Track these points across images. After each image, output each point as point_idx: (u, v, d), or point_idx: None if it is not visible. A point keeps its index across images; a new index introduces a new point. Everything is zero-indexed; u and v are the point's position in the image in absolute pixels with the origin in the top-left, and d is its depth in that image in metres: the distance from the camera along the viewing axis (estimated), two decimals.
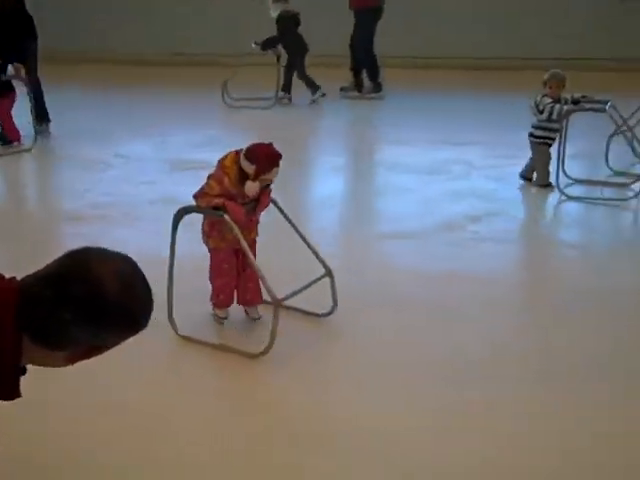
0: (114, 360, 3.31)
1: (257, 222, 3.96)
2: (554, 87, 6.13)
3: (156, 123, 8.71)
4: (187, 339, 3.90)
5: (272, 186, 3.85)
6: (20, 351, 1.70)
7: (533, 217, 5.63)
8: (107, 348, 1.81)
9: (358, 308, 4.17)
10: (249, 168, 3.65)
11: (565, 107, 6.07)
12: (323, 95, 9.55)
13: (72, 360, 1.79)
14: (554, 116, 6.06)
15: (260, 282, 3.78)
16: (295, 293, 3.76)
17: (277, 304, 3.63)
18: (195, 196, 3.77)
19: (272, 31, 9.54)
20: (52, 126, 8.32)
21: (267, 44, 9.44)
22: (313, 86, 9.55)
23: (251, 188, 3.69)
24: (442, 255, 5.00)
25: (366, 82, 9.98)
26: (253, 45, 9.41)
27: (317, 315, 4.09)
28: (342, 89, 9.97)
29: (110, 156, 7.31)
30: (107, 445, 3.07)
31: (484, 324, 4.07)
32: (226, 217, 3.61)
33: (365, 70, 9.89)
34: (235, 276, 3.97)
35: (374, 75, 9.87)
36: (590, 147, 7.07)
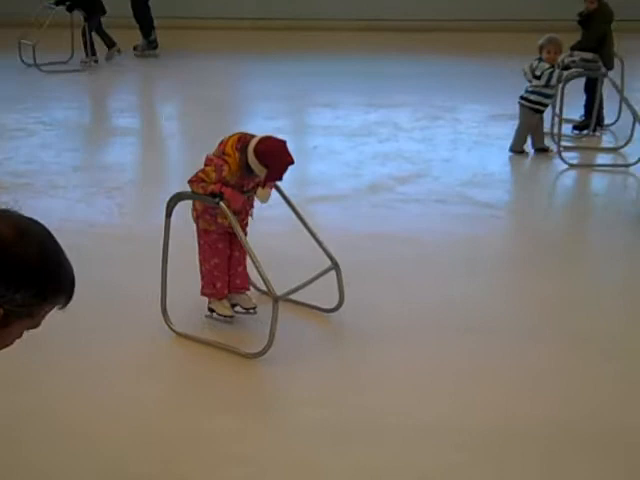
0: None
1: (252, 207, 3.69)
2: (552, 52, 6.08)
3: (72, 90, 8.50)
4: (182, 335, 3.60)
5: None
6: None
7: (458, 178, 5.66)
8: (10, 312, 1.63)
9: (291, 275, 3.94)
10: (259, 169, 3.41)
11: (565, 73, 6.07)
12: (119, 52, 9.76)
13: None
14: (553, 82, 6.04)
15: (254, 275, 3.51)
16: (298, 287, 3.54)
17: (276, 300, 3.35)
18: (190, 181, 3.49)
19: None
20: None
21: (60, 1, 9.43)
22: (110, 42, 9.73)
23: (264, 195, 3.49)
24: (369, 216, 5.03)
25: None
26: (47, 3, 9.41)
27: (323, 310, 3.79)
28: (135, 48, 10.15)
29: (29, 123, 7.10)
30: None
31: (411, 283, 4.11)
32: (222, 205, 3.35)
33: (139, 28, 10.18)
34: (228, 259, 3.67)
35: (147, 33, 10.14)
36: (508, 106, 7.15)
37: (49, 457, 2.86)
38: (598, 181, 6.15)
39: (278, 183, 3.61)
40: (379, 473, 2.81)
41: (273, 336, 3.35)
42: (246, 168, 3.44)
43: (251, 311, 3.72)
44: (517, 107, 6.33)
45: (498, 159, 6.22)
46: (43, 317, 1.70)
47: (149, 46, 10.12)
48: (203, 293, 3.67)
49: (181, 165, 5.83)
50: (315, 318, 3.79)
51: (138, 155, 6.26)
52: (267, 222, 3.90)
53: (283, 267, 4.03)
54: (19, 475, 2.78)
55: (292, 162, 3.46)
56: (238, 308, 3.75)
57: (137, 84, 8.90)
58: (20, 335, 1.72)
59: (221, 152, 3.49)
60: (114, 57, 9.74)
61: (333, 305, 3.74)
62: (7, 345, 1.73)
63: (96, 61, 9.49)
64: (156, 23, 10.10)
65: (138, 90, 8.42)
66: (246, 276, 3.73)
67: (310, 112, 8.15)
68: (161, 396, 3.26)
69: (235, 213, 3.42)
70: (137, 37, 10.12)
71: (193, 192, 3.49)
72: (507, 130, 6.83)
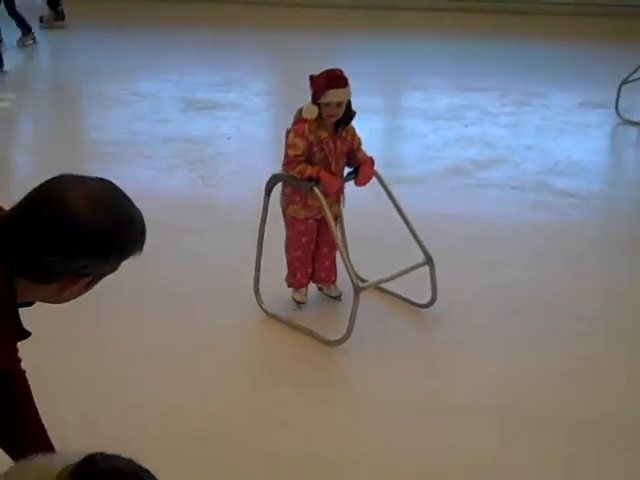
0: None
1: (341, 199, 3.65)
2: None
3: (173, 61, 8.71)
4: (271, 316, 3.71)
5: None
6: (11, 285, 1.65)
7: (540, 165, 5.62)
8: (97, 277, 1.73)
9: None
10: (311, 95, 3.41)
11: None
12: (34, 40, 9.24)
13: (66, 293, 1.71)
14: None
15: (341, 261, 3.49)
16: (382, 281, 3.55)
17: (357, 291, 3.34)
18: (284, 165, 3.50)
19: None
20: (68, 64, 8.33)
21: None
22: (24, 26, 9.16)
23: (308, 110, 3.41)
24: (444, 199, 5.06)
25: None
26: None
27: (416, 305, 3.79)
28: (41, 20, 10.01)
29: (126, 94, 7.34)
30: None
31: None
32: (316, 190, 3.34)
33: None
34: (312, 251, 3.68)
35: (54, 3, 10.04)
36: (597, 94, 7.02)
37: (132, 427, 2.98)
38: None
39: (377, 171, 3.56)
40: (412, 448, 2.91)
41: (352, 326, 3.39)
42: (319, 117, 3.41)
43: (337, 299, 3.82)
44: (608, 95, 6.24)
45: (583, 147, 6.13)
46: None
47: (57, 17, 10.04)
48: (285, 280, 3.77)
49: (269, 140, 5.96)
50: (402, 307, 3.82)
51: (226, 129, 6.40)
52: (363, 201, 3.90)
53: (376, 252, 4.14)
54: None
55: (337, 76, 3.38)
56: (325, 291, 3.86)
57: (233, 58, 9.06)
58: None
59: (297, 117, 3.51)
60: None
61: (424, 297, 3.73)
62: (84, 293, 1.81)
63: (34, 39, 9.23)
64: None
65: (233, 64, 8.56)
66: (332, 269, 3.76)
67: (397, 93, 8.16)
68: (238, 372, 3.40)
69: (325, 196, 3.41)
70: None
71: (290, 175, 3.47)
72: (596, 118, 6.73)
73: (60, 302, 1.78)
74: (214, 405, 3.13)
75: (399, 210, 3.63)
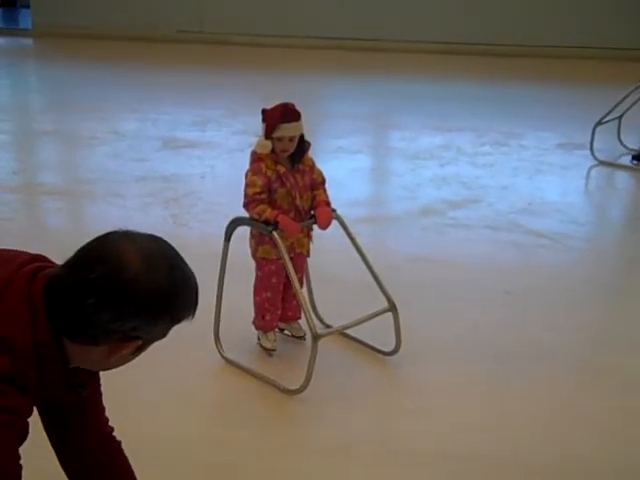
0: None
1: (310, 235, 3.61)
2: None
3: (150, 100, 8.73)
4: (231, 363, 3.60)
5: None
6: (60, 346, 1.58)
7: (513, 206, 5.61)
8: (147, 341, 1.65)
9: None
10: (263, 130, 3.37)
11: None
12: None
13: (114, 356, 1.64)
14: None
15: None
16: (344, 327, 3.49)
17: (316, 339, 3.24)
18: (244, 205, 3.42)
19: None
20: (45, 100, 8.34)
21: None
22: None
23: (261, 145, 3.37)
24: (416, 239, 5.03)
25: None
26: None
27: (379, 352, 3.70)
28: None
29: (103, 132, 7.34)
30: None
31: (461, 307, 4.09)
32: (275, 234, 3.28)
33: None
34: (281, 292, 3.60)
35: None
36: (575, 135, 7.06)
37: None
38: None
39: (337, 213, 3.50)
40: None
41: (310, 375, 3.28)
42: (273, 152, 3.37)
43: (302, 339, 3.74)
44: (585, 136, 6.29)
45: (558, 188, 6.13)
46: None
47: None
48: (253, 323, 3.68)
49: (242, 180, 5.90)
50: (365, 353, 3.72)
51: (201, 168, 6.39)
52: (333, 240, 3.77)
53: (344, 292, 4.09)
54: None
55: (288, 110, 3.34)
56: (287, 332, 3.79)
57: (212, 98, 9.07)
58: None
59: (253, 156, 3.45)
60: None
61: (389, 344, 3.62)
62: (131, 360, 1.73)
63: None
64: (238, 40, 10.22)
65: (212, 104, 8.59)
66: (299, 308, 3.65)
67: (377, 133, 8.18)
68: (195, 416, 3.29)
69: (286, 239, 3.35)
70: None
71: (250, 218, 3.42)
72: (573, 159, 6.75)
73: (107, 368, 1.72)
74: (169, 449, 3.05)
75: (362, 255, 3.55)
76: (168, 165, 6.46)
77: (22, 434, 1.57)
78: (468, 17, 11.20)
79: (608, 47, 10.56)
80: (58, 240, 4.85)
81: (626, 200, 6.40)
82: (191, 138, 7.22)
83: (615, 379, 3.55)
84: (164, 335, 1.68)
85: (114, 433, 2.01)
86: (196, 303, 1.68)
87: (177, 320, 1.65)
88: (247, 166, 3.49)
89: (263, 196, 3.40)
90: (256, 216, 3.39)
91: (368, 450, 3.05)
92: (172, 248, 1.67)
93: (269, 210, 3.36)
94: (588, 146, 6.61)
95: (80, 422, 1.87)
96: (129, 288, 1.54)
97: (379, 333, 3.69)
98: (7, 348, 1.51)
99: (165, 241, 1.68)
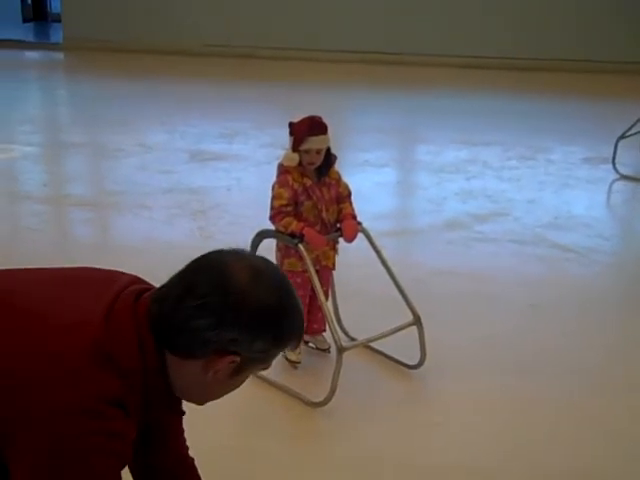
0: None
1: (336, 248, 3.61)
2: None
3: (178, 113, 8.80)
4: (256, 376, 3.43)
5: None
6: (164, 365, 1.55)
7: (539, 220, 5.60)
8: (246, 360, 1.57)
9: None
10: (290, 143, 3.41)
11: None
12: None
13: (210, 372, 1.57)
14: None
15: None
16: (369, 340, 3.49)
17: (341, 351, 3.23)
18: (271, 217, 3.44)
19: None
20: (74, 113, 8.47)
21: None
22: None
23: (288, 158, 3.40)
24: (442, 253, 5.03)
25: None
26: None
27: (404, 365, 3.69)
28: None
29: (131, 144, 7.41)
30: None
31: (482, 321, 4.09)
32: (300, 247, 3.30)
33: None
34: (307, 305, 3.56)
35: None
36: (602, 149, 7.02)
37: None
38: None
39: (364, 226, 3.51)
40: None
41: (335, 388, 3.28)
42: (300, 165, 3.41)
43: (327, 351, 3.74)
44: (612, 150, 6.28)
45: (585, 202, 6.11)
46: (273, 360, 1.65)
47: None
48: None
49: (269, 192, 5.93)
50: (390, 367, 3.72)
51: (227, 180, 6.43)
52: (358, 253, 3.80)
53: (369, 306, 4.07)
54: None
55: (316, 123, 3.38)
56: (312, 344, 3.79)
57: (239, 111, 9.13)
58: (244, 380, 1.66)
59: (280, 168, 3.49)
60: None
61: (414, 357, 3.62)
62: (232, 390, 1.68)
63: None
64: (264, 53, 10.33)
65: (239, 116, 8.65)
66: (324, 320, 3.62)
67: (404, 147, 8.21)
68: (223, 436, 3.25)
69: (312, 251, 3.38)
70: None
71: (276, 231, 3.44)
72: (600, 174, 6.71)
73: (205, 395, 1.66)
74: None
75: (387, 268, 3.55)
76: (195, 177, 6.50)
77: (127, 460, 1.56)
78: (494, 31, 11.22)
79: (632, 61, 10.54)
80: (85, 251, 4.92)
81: None
82: (218, 151, 7.27)
83: (637, 393, 3.52)
84: (265, 359, 1.60)
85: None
86: (301, 332, 1.62)
87: (280, 342, 1.58)
88: (274, 179, 3.52)
89: (289, 209, 3.42)
90: (282, 229, 3.41)
91: (392, 465, 3.05)
92: (284, 273, 1.65)
93: (295, 223, 3.38)
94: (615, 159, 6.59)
95: (163, 442, 1.85)
96: (232, 296, 1.50)
97: (404, 346, 3.68)
98: (116, 369, 1.49)
99: (278, 267, 1.67)
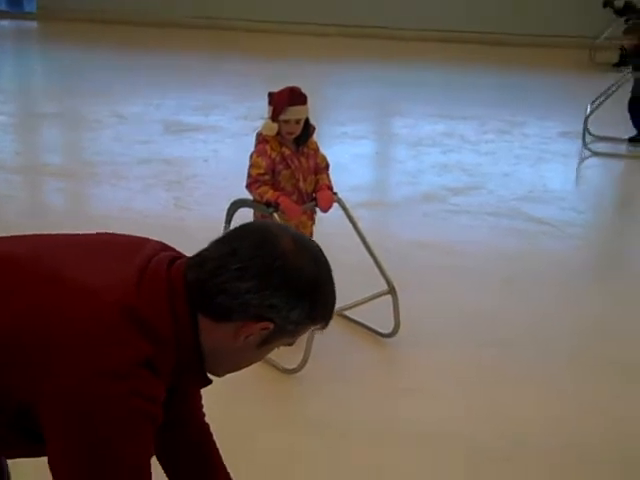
0: None
1: (313, 218, 3.64)
2: None
3: (155, 85, 8.74)
4: None
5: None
6: (197, 328, 1.53)
7: (514, 193, 5.63)
8: (278, 329, 1.54)
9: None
10: (269, 112, 3.41)
11: None
12: None
13: (242, 336, 1.53)
14: None
15: None
16: (342, 309, 3.47)
17: None
18: (247, 185, 3.46)
19: None
20: (50, 84, 8.39)
21: None
22: None
23: (267, 127, 3.41)
24: (417, 225, 5.05)
25: None
26: None
27: (379, 333, 3.72)
28: None
29: (106, 115, 7.36)
30: None
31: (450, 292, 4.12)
32: (275, 216, 3.30)
33: None
34: None
35: None
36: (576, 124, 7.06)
37: None
38: None
39: (339, 196, 3.52)
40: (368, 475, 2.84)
41: (308, 355, 3.32)
42: (279, 134, 3.41)
43: None
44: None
45: (559, 176, 6.16)
46: (301, 335, 1.63)
47: None
48: None
49: (246, 164, 5.91)
50: (364, 335, 3.74)
51: (204, 151, 6.40)
52: (333, 223, 3.82)
53: (345, 276, 4.02)
54: None
55: (296, 93, 3.39)
56: None
57: (217, 84, 9.06)
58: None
59: (259, 137, 3.49)
60: None
61: (388, 326, 3.65)
62: (254, 362, 1.67)
63: None
64: (243, 26, 10.28)
65: (217, 89, 8.60)
66: None
67: (381, 120, 8.21)
68: None
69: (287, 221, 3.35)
70: None
71: (252, 200, 3.45)
72: (573, 148, 6.76)
73: (232, 359, 1.62)
74: None
75: (362, 238, 3.58)
76: (171, 149, 6.47)
77: (159, 423, 1.52)
78: (475, 5, 11.20)
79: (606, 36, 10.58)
80: (59, 219, 4.89)
81: (623, 187, 6.41)
82: (195, 122, 7.24)
83: (614, 365, 3.57)
84: (295, 332, 1.58)
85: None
86: (332, 311, 1.60)
87: (315, 315, 1.57)
88: (251, 149, 3.51)
89: (266, 177, 3.43)
90: (258, 197, 3.42)
91: (365, 429, 3.08)
92: (323, 252, 1.61)
93: (271, 192, 3.39)
94: (586, 135, 6.65)
95: (185, 412, 1.84)
96: (277, 261, 1.48)
97: (378, 316, 3.71)
98: (148, 333, 1.47)
99: (318, 245, 1.64)
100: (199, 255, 1.56)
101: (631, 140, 6.85)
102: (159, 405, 1.49)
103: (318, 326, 1.61)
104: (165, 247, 1.67)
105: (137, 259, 1.56)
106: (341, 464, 2.88)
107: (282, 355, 3.45)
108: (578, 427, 3.12)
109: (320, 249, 1.60)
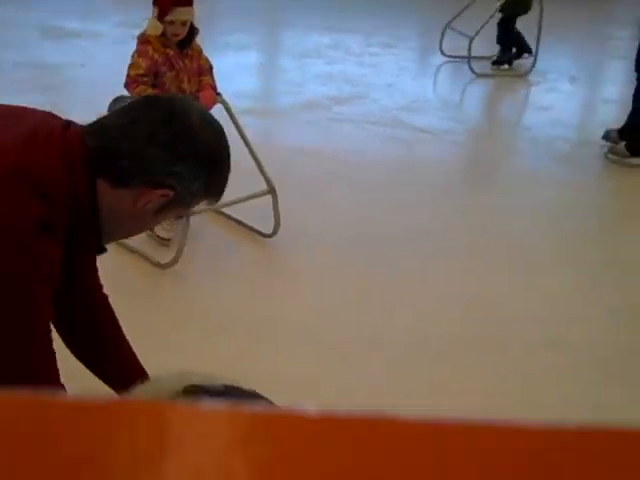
0: None
1: None
2: None
3: None
4: None
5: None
6: (94, 190, 1.50)
7: (397, 103, 5.68)
8: (176, 198, 1.54)
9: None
10: (155, 12, 3.35)
11: None
12: None
13: (141, 201, 1.52)
14: None
15: None
16: (218, 206, 3.45)
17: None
18: (125, 84, 3.39)
19: None
20: None
21: None
22: None
23: (152, 26, 3.35)
24: (300, 132, 5.04)
25: None
26: None
27: (259, 233, 3.73)
28: None
29: None
30: None
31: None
32: None
33: None
34: None
35: None
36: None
37: None
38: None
39: (222, 97, 3.50)
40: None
41: (181, 250, 3.31)
42: (163, 36, 3.35)
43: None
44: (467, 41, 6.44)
45: (441, 88, 6.25)
46: (194, 207, 1.67)
47: None
48: None
49: (124, 70, 5.76)
50: (245, 234, 3.75)
51: (82, 57, 6.18)
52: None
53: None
54: None
55: None
56: None
57: None
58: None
59: (141, 38, 3.43)
60: None
61: (268, 227, 3.67)
62: (148, 228, 1.69)
63: None
64: None
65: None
66: None
67: (268, 30, 8.09)
68: None
69: None
70: None
71: (131, 97, 3.32)
72: (453, 61, 6.84)
73: (130, 224, 1.62)
74: None
75: (244, 138, 3.56)
76: (47, 53, 6.22)
77: (56, 285, 1.51)
78: None
79: None
80: None
81: (495, 103, 6.57)
82: (72, 27, 6.96)
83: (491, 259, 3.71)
84: (190, 203, 1.60)
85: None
86: (225, 187, 1.61)
87: (211, 188, 1.59)
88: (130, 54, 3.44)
89: (146, 79, 3.37)
90: (137, 95, 3.32)
91: (242, 325, 3.11)
92: (224, 132, 1.63)
93: (149, 90, 3.32)
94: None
95: (82, 279, 1.81)
96: (185, 131, 1.50)
97: (259, 216, 3.72)
98: (36, 189, 1.43)
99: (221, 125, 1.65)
100: (98, 122, 1.54)
101: (495, 63, 6.87)
102: (55, 264, 1.48)
103: (207, 201, 1.64)
104: (56, 115, 1.63)
105: (25, 122, 1.53)
106: (220, 360, 2.90)
107: (159, 251, 3.45)
108: (435, 318, 3.24)
109: (223, 129, 1.61)
